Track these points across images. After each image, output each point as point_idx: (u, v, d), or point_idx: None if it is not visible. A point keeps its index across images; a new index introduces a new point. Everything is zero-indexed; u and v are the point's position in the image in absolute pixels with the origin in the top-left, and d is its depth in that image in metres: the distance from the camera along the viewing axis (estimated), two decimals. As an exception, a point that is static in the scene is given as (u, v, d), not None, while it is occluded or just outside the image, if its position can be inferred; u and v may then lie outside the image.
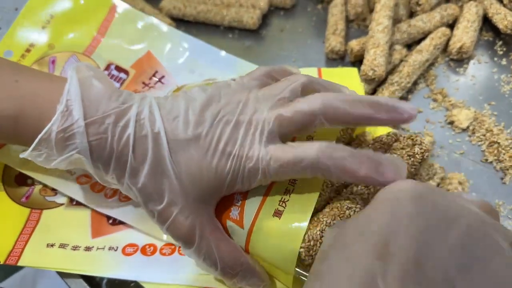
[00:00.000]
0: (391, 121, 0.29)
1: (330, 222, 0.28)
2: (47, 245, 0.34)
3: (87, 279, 0.34)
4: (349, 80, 0.43)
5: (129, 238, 0.35)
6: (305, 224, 0.28)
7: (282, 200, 0.30)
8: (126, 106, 0.29)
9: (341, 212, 0.29)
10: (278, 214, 0.30)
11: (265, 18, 0.54)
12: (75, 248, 0.34)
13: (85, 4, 0.45)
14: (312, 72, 0.44)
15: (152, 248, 0.34)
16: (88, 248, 0.34)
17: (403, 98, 0.44)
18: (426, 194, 0.23)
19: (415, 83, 0.45)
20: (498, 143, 0.40)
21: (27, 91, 0.29)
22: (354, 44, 0.46)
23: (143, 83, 0.44)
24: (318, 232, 0.28)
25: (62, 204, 0.37)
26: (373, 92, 0.44)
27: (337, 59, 0.48)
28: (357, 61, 0.47)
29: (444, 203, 0.23)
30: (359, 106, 0.28)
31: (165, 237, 0.34)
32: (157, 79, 0.44)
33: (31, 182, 0.37)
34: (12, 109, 0.29)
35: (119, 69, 0.44)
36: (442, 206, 0.23)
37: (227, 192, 0.30)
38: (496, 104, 0.43)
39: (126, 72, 0.44)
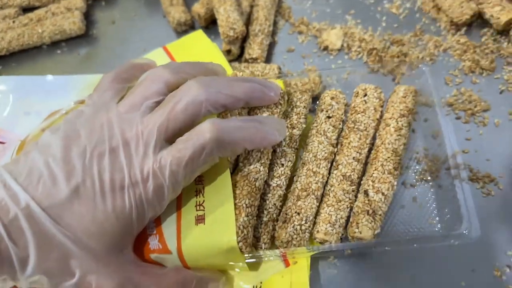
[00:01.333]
0: (264, 99, 0.29)
1: (248, 203, 0.28)
2: None
3: None
4: (199, 45, 0.39)
5: None
6: (232, 216, 0.27)
7: (198, 203, 0.28)
8: None
9: (251, 187, 0.28)
10: (200, 220, 0.28)
11: (89, 16, 0.46)
12: None
13: None
14: (158, 53, 0.39)
15: None
16: None
17: (271, 44, 0.41)
18: None
19: (275, 24, 0.43)
20: (375, 48, 0.39)
21: None
22: (199, 8, 0.41)
23: None
24: (245, 219, 0.27)
25: None
26: (242, 52, 0.40)
27: (188, 29, 0.43)
28: (209, 24, 0.43)
29: None
30: (237, 87, 0.27)
31: None
32: None
33: None
34: None
35: None
36: None
37: (140, 226, 0.26)
38: (356, 12, 0.42)
39: None
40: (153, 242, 0.28)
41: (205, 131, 0.25)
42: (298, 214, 0.29)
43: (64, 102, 0.37)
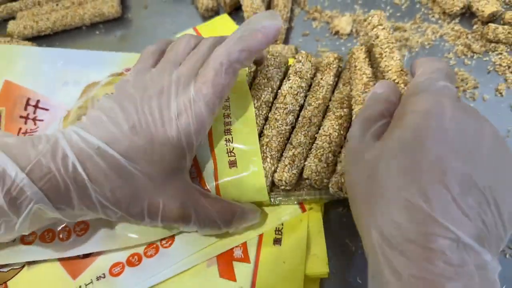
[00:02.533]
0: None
1: (274, 147, 0.34)
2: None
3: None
4: (225, 27, 0.45)
5: (110, 259, 0.34)
6: (259, 161, 0.33)
7: (229, 150, 0.34)
8: (53, 141, 0.28)
9: (278, 130, 0.34)
10: (233, 164, 0.33)
11: (124, 1, 0.52)
12: None
13: None
14: (189, 32, 0.45)
15: (136, 257, 0.34)
16: None
17: (288, 29, 0.47)
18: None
19: (292, 11, 0.48)
20: (380, 34, 0.45)
21: None
22: (226, -5, 0.47)
23: (22, 116, 0.40)
24: (271, 162, 0.34)
25: (22, 267, 0.34)
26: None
27: (213, 15, 0.49)
28: (233, 11, 0.48)
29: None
30: (257, 35, 0.31)
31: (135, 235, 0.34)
32: (34, 106, 0.41)
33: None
34: None
35: None
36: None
37: (191, 154, 0.31)
38: (363, 2, 0.48)
39: None
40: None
41: (220, 50, 0.30)
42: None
43: (99, 75, 0.41)
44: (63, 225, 0.34)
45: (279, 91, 0.36)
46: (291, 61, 0.39)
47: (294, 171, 0.33)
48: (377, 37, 0.35)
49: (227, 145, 0.34)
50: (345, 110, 0.35)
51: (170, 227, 0.33)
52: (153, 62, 0.33)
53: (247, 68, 0.38)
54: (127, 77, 0.32)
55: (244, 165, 0.33)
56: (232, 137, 0.34)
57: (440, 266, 0.21)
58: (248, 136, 0.34)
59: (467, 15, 0.45)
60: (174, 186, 0.30)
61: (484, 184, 0.22)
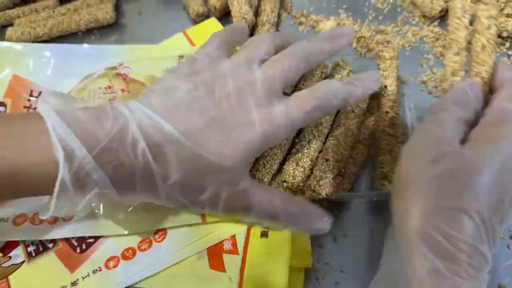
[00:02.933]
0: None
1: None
2: (35, 300, 0.34)
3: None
4: (214, 31, 0.46)
5: (105, 254, 0.36)
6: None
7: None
8: (122, 122, 0.27)
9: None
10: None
11: (118, 8, 0.54)
12: None
13: None
14: (179, 37, 0.47)
15: (131, 251, 0.35)
16: (74, 283, 0.34)
17: (275, 32, 0.49)
18: None
19: (279, 16, 0.50)
20: (364, 37, 0.47)
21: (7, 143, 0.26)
22: (215, 2, 0.49)
23: (25, 107, 0.43)
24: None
25: (22, 262, 0.36)
26: (251, 36, 0.47)
27: (204, 20, 0.51)
28: (222, 16, 0.50)
29: None
30: (325, 42, 0.34)
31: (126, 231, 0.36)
32: (36, 97, 0.43)
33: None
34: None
35: None
36: None
37: (258, 154, 0.32)
38: (347, 6, 0.50)
39: (2, 104, 0.43)
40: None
41: (333, 83, 0.31)
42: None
43: (96, 67, 0.44)
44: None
45: None
46: None
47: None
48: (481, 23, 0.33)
49: None
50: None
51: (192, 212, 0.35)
52: (223, 51, 0.33)
53: None
54: (196, 56, 0.32)
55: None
56: None
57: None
58: None
59: (446, 17, 0.47)
60: (240, 180, 0.30)
61: None
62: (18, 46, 0.46)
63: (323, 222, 0.33)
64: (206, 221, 0.35)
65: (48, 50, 0.46)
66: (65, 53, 0.46)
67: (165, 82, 0.30)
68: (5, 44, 0.46)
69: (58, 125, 0.26)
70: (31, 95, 0.43)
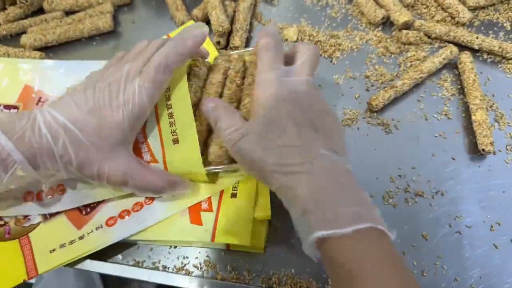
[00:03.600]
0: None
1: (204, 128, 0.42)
2: (50, 251, 0.42)
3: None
4: None
5: (105, 215, 0.44)
6: (195, 141, 0.41)
7: (172, 131, 0.42)
8: (32, 118, 0.37)
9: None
10: (176, 141, 0.42)
11: (116, 18, 0.62)
12: (71, 242, 0.42)
13: None
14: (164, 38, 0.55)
15: (126, 212, 0.44)
16: (81, 237, 0.42)
17: (247, 38, 0.58)
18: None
19: (251, 24, 0.60)
20: (320, 41, 0.56)
21: None
22: (197, 12, 0.58)
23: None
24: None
25: (39, 223, 0.44)
26: (227, 42, 0.57)
27: (188, 28, 0.60)
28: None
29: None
30: (187, 42, 0.41)
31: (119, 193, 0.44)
32: (43, 103, 0.52)
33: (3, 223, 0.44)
34: None
35: (8, 106, 0.51)
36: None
37: (133, 133, 0.40)
38: (307, 16, 0.60)
39: (15, 107, 0.51)
40: (145, 156, 0.43)
41: (158, 54, 0.39)
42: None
43: None
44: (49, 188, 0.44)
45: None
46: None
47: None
48: None
49: (171, 127, 0.42)
50: (234, 104, 0.44)
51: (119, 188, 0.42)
52: (119, 59, 0.41)
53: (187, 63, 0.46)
54: (100, 69, 0.41)
55: (184, 144, 0.42)
56: (174, 120, 0.42)
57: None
58: (185, 121, 0.42)
59: (388, 24, 0.57)
60: (118, 157, 0.38)
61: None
62: (25, 65, 0.55)
63: (184, 188, 0.42)
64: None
65: (56, 66, 0.55)
66: (70, 68, 0.55)
67: (70, 89, 0.40)
68: (19, 60, 0.56)
69: None
70: (39, 101, 0.52)
